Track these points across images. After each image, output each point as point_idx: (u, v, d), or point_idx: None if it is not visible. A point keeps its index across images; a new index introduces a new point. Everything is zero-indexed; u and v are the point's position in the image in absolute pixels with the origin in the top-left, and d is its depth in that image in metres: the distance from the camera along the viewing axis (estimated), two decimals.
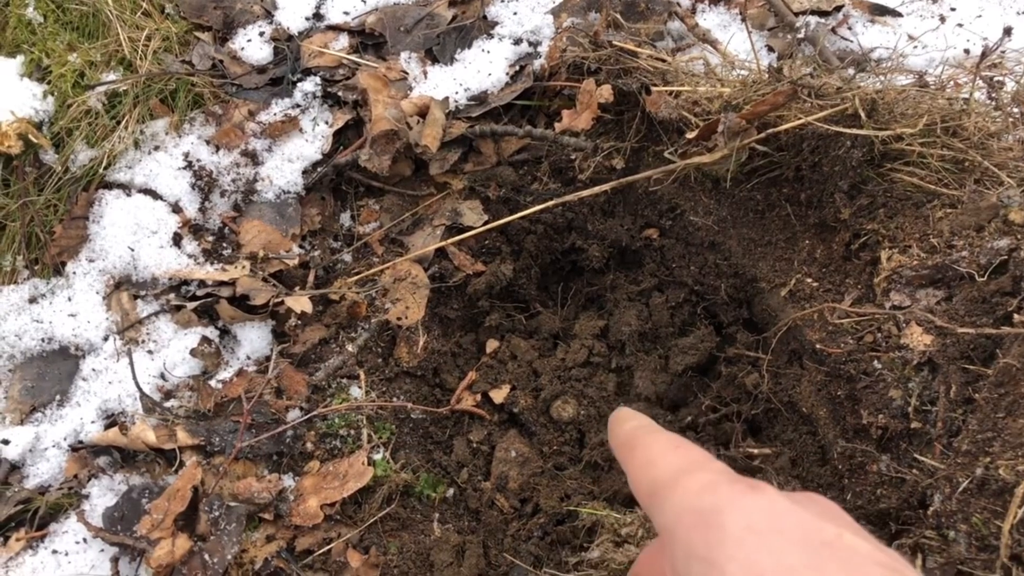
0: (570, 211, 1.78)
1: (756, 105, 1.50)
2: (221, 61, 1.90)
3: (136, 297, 1.68)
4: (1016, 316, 1.30)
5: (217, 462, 1.48)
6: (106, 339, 1.65)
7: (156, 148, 1.80)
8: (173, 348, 1.62)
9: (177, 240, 1.71)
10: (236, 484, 1.46)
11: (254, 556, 1.39)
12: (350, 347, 1.65)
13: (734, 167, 1.58)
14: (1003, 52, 1.47)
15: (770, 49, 1.81)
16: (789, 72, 1.54)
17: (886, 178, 1.53)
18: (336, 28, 1.95)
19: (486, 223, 1.73)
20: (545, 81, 1.80)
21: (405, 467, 1.55)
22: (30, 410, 1.61)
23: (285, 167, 1.77)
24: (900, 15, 1.83)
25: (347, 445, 1.55)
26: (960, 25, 1.75)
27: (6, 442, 1.54)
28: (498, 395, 1.70)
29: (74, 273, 1.70)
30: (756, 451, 1.53)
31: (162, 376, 1.59)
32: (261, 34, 1.94)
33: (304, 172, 1.77)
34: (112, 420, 1.56)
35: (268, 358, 1.62)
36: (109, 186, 1.78)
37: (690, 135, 1.55)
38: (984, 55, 1.43)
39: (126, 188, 1.77)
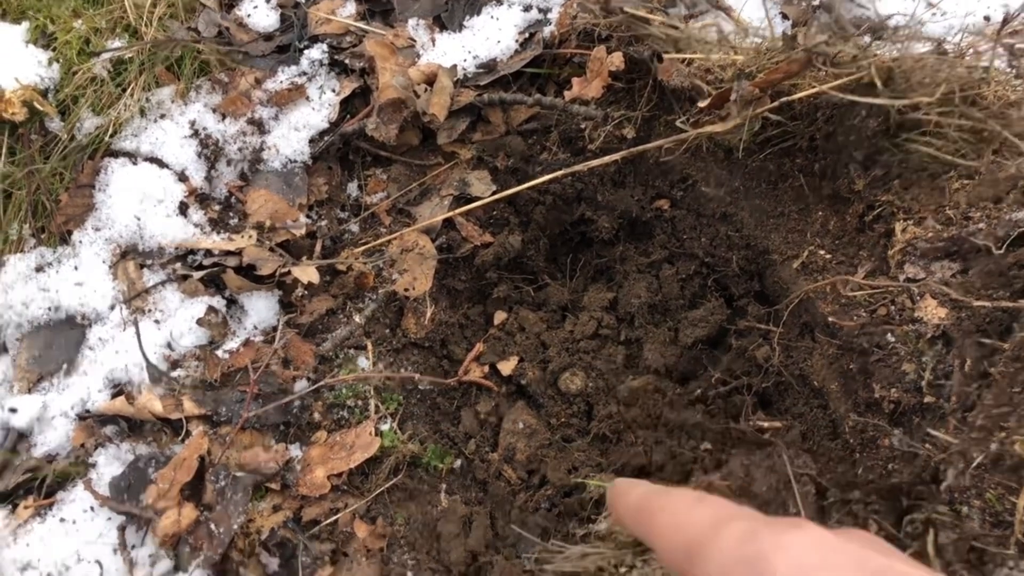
0: (579, 181, 1.76)
1: (770, 73, 1.47)
2: (227, 28, 1.88)
3: (142, 266, 1.67)
4: None
5: (223, 432, 1.47)
6: (112, 308, 1.64)
7: (162, 116, 1.78)
8: (180, 317, 1.61)
9: (183, 209, 1.70)
10: (242, 454, 1.45)
11: (260, 526, 1.39)
12: (357, 318, 1.64)
13: (747, 136, 1.55)
14: None
15: (784, 16, 1.77)
16: (804, 40, 1.50)
17: (902, 148, 1.50)
18: None
19: (494, 193, 1.71)
20: (555, 48, 1.77)
21: (412, 438, 1.55)
22: (37, 379, 1.60)
23: (292, 136, 1.75)
24: None
25: (354, 416, 1.54)
26: None
27: (14, 411, 1.54)
28: (506, 367, 1.69)
29: (80, 242, 1.69)
30: (766, 424, 1.51)
31: (169, 346, 1.59)
32: (267, 0, 1.91)
33: (311, 141, 1.75)
34: (119, 389, 1.55)
35: (275, 328, 1.61)
36: (115, 154, 1.77)
37: (702, 104, 1.52)
38: (1005, 22, 1.40)
39: (132, 156, 1.75)
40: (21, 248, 1.72)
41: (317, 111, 1.77)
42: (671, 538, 0.49)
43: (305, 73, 1.81)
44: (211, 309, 1.60)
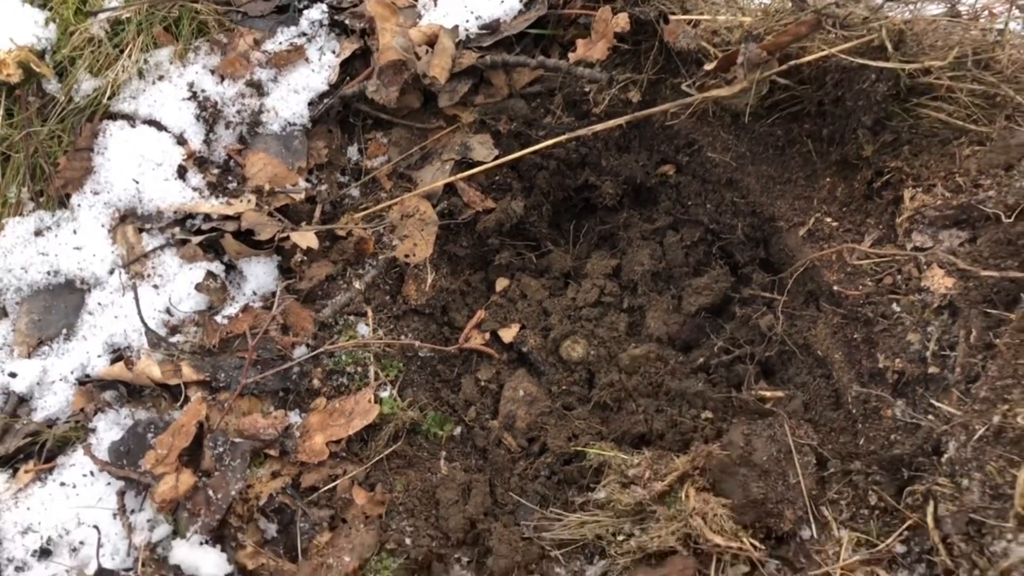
0: (583, 146, 1.73)
1: (778, 36, 1.43)
2: None
3: (141, 230, 1.66)
4: None
5: (222, 398, 1.47)
6: (112, 273, 1.63)
7: (160, 78, 1.76)
8: (179, 282, 1.60)
9: (182, 173, 1.68)
10: (241, 420, 1.45)
11: (259, 492, 1.39)
12: (357, 284, 1.62)
13: (754, 101, 1.52)
14: None
15: None
16: (813, 1, 1.46)
17: (912, 114, 1.47)
18: None
19: (496, 158, 1.69)
20: (560, 9, 1.74)
21: (412, 405, 1.54)
22: (37, 343, 1.60)
23: (291, 98, 1.72)
24: None
25: (354, 382, 1.54)
26: None
27: (14, 375, 1.54)
28: (507, 334, 1.68)
29: (79, 206, 1.68)
30: (768, 394, 1.50)
31: (168, 311, 1.58)
32: None
33: (310, 103, 1.73)
34: (118, 355, 1.55)
35: (274, 294, 1.60)
36: (113, 117, 1.75)
37: (709, 67, 1.49)
38: None
39: (130, 119, 1.73)
40: (20, 212, 1.71)
41: (317, 73, 1.74)
42: None
43: (305, 34, 1.78)
44: (210, 274, 1.59)
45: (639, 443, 1.53)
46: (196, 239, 1.62)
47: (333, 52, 1.76)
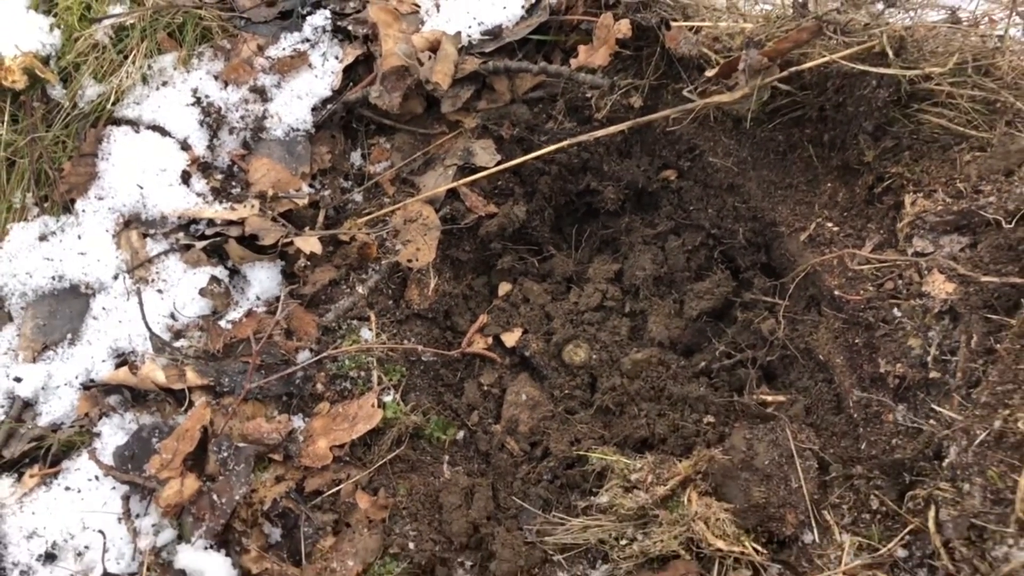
0: (585, 151, 1.74)
1: (779, 42, 1.44)
2: None
3: (146, 236, 1.67)
4: None
5: (226, 403, 1.48)
6: (116, 278, 1.64)
7: (164, 84, 1.76)
8: (183, 287, 1.61)
9: (186, 178, 1.69)
10: (245, 425, 1.46)
11: (263, 496, 1.40)
12: (360, 288, 1.63)
13: (755, 106, 1.52)
14: None
15: None
16: (814, 7, 1.47)
17: (913, 119, 1.47)
18: None
19: (499, 163, 1.70)
20: (562, 15, 1.74)
21: (415, 409, 1.54)
22: (42, 348, 1.61)
23: (294, 104, 1.73)
24: None
25: (357, 387, 1.54)
26: None
27: (19, 380, 1.55)
28: (510, 338, 1.69)
29: (83, 211, 1.69)
30: (770, 398, 1.51)
31: (172, 316, 1.59)
32: None
33: (313, 109, 1.74)
34: (123, 359, 1.56)
35: (277, 298, 1.61)
36: (117, 122, 1.76)
37: (710, 73, 1.50)
38: None
39: (134, 124, 1.74)
40: (25, 217, 1.72)
41: (320, 79, 1.75)
42: None
43: (308, 40, 1.79)
44: (214, 279, 1.60)
45: (641, 447, 1.54)
46: (200, 244, 1.63)
47: (336, 58, 1.77)
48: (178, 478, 1.36)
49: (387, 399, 1.53)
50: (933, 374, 1.32)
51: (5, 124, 1.75)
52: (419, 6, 1.79)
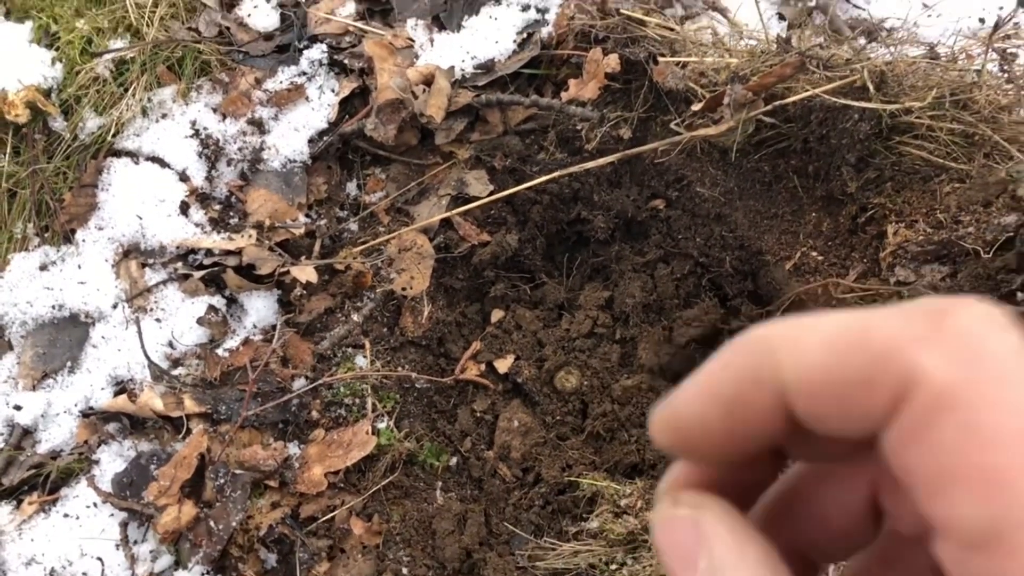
0: (576, 181, 1.77)
1: (763, 77, 1.48)
2: (228, 28, 1.90)
3: (144, 265, 1.70)
4: (1020, 294, 1.29)
5: (223, 430, 1.50)
6: (115, 307, 1.66)
7: (163, 116, 1.80)
8: (181, 316, 1.63)
9: (184, 209, 1.72)
10: (242, 452, 1.48)
11: (259, 523, 1.42)
12: (355, 316, 1.66)
13: (741, 138, 1.56)
14: (1016, 24, 1.44)
15: (781, 17, 1.78)
16: (798, 42, 1.51)
17: (894, 151, 1.51)
18: None
19: (492, 193, 1.73)
20: (552, 49, 1.79)
21: (409, 436, 1.57)
22: (42, 376, 1.63)
23: (291, 136, 1.77)
24: None
25: (352, 414, 1.57)
26: None
27: (19, 408, 1.57)
28: (502, 365, 1.71)
29: (84, 241, 1.72)
30: None
31: (170, 344, 1.61)
32: (267, 0, 1.93)
33: (310, 141, 1.77)
34: (121, 387, 1.58)
35: (274, 327, 1.64)
36: (117, 154, 1.79)
37: (697, 107, 1.54)
38: (997, 26, 1.41)
39: (134, 156, 1.78)
40: (26, 247, 1.75)
41: (316, 111, 1.79)
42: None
43: (305, 73, 1.82)
44: (211, 308, 1.63)
45: (632, 473, 1.56)
46: (198, 274, 1.66)
47: (333, 91, 1.81)
48: (176, 505, 1.38)
49: (381, 426, 1.55)
50: None
51: (7, 156, 1.78)
52: (413, 41, 1.83)
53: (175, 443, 1.51)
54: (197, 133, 1.77)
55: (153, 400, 1.51)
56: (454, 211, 1.73)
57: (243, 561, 1.38)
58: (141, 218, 1.70)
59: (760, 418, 0.29)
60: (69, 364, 1.63)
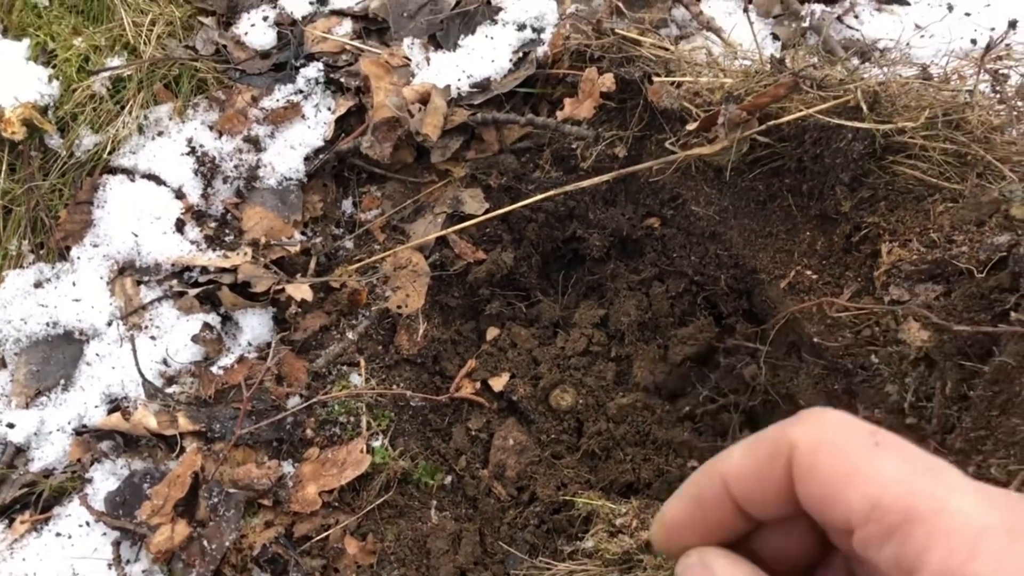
0: (571, 199, 1.78)
1: (757, 97, 1.49)
2: (225, 46, 1.90)
3: (139, 283, 1.70)
4: (1013, 314, 1.29)
5: (217, 448, 1.50)
6: (110, 324, 1.66)
7: (160, 134, 1.81)
8: (175, 334, 1.63)
9: (180, 226, 1.72)
10: (236, 470, 1.48)
11: (253, 542, 1.42)
12: (350, 334, 1.66)
13: (735, 157, 1.57)
14: (1008, 45, 1.45)
15: (775, 37, 1.79)
16: (792, 63, 1.52)
17: (888, 171, 1.52)
18: (339, 13, 1.95)
19: (487, 211, 1.74)
20: (548, 68, 1.80)
21: (404, 454, 1.57)
22: (35, 394, 1.63)
23: (287, 153, 1.77)
24: (907, 3, 1.81)
25: (346, 432, 1.56)
26: (968, 14, 1.73)
27: (11, 426, 1.56)
28: (497, 383, 1.71)
29: (79, 258, 1.72)
30: None
31: (164, 362, 1.61)
32: (265, 19, 1.94)
33: (306, 158, 1.78)
34: (115, 405, 1.58)
35: (269, 345, 1.64)
36: (113, 171, 1.79)
37: (691, 127, 1.54)
38: (988, 48, 1.42)
39: (130, 173, 1.78)
40: (20, 264, 1.75)
41: (313, 129, 1.79)
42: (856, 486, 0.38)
43: (301, 91, 1.83)
44: (206, 326, 1.63)
45: (627, 492, 1.56)
46: (193, 291, 1.66)
47: (329, 109, 1.81)
48: (169, 524, 1.38)
49: (376, 444, 1.55)
50: (910, 420, 1.36)
51: (3, 173, 1.78)
52: (410, 60, 1.83)
53: (169, 461, 1.50)
54: (193, 151, 1.78)
55: (147, 418, 1.51)
56: (450, 229, 1.73)
57: None
58: (136, 235, 1.70)
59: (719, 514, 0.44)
60: (63, 382, 1.63)
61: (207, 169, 1.76)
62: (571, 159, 1.77)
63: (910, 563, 0.34)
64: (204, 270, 1.68)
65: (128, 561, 1.40)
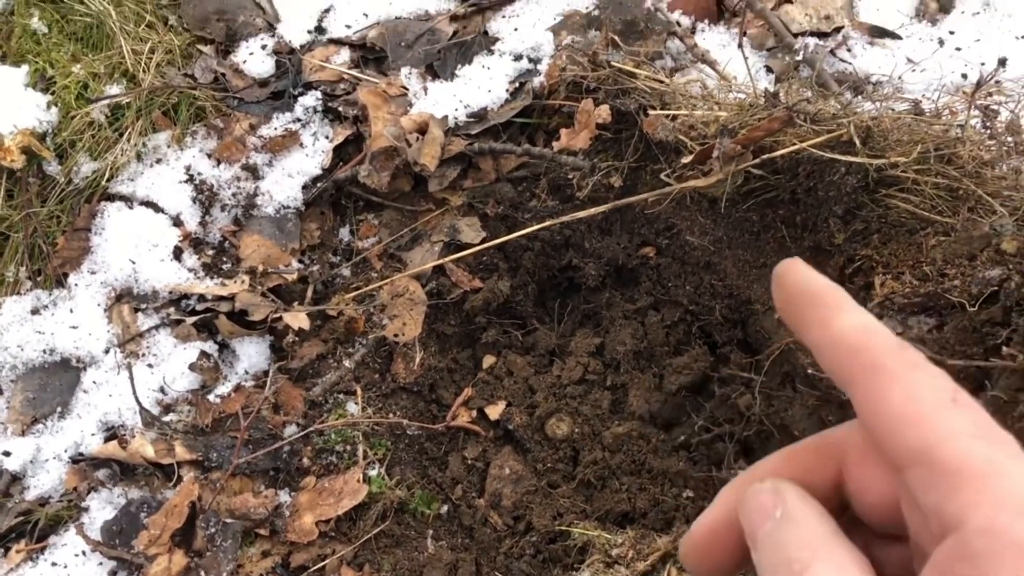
0: (567, 228, 1.79)
1: (752, 131, 1.51)
2: (223, 74, 1.92)
3: (137, 310, 1.70)
4: (1005, 348, 1.31)
5: (214, 477, 1.50)
6: (107, 351, 1.66)
7: (158, 161, 1.81)
8: (173, 362, 1.64)
9: (178, 254, 1.73)
10: (232, 500, 1.48)
11: (250, 572, 1.42)
12: (347, 363, 1.67)
13: (730, 189, 1.59)
14: (998, 82, 1.48)
15: (769, 70, 1.82)
16: (785, 97, 1.54)
17: (880, 204, 1.54)
18: (338, 42, 1.96)
19: (484, 240, 1.75)
20: (544, 99, 1.81)
21: (400, 484, 1.57)
22: (31, 421, 1.63)
23: (285, 182, 1.78)
24: (899, 38, 1.83)
25: (343, 461, 1.57)
26: (958, 49, 1.76)
27: (7, 454, 1.56)
28: (494, 411, 1.72)
29: (76, 285, 1.72)
30: None
31: (162, 390, 1.61)
32: (263, 47, 1.95)
33: (304, 187, 1.79)
34: (112, 433, 1.58)
35: (266, 373, 1.64)
36: (111, 198, 1.80)
37: (686, 160, 1.56)
38: (979, 84, 1.44)
39: (128, 200, 1.79)
40: (17, 290, 1.75)
41: (310, 157, 1.80)
42: (897, 420, 0.39)
43: (299, 120, 1.84)
44: (203, 354, 1.63)
45: (623, 521, 1.57)
46: (191, 319, 1.66)
47: (327, 138, 1.83)
48: (166, 554, 1.38)
49: (372, 473, 1.56)
50: None
51: (1, 199, 1.79)
52: (407, 89, 1.85)
53: (165, 490, 1.50)
54: (191, 178, 1.79)
55: (144, 447, 1.51)
56: (447, 259, 1.74)
57: None
58: (134, 262, 1.71)
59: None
60: (59, 409, 1.63)
61: (205, 197, 1.77)
62: (567, 188, 1.79)
63: (953, 516, 0.35)
64: (202, 298, 1.69)
65: None
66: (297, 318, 1.63)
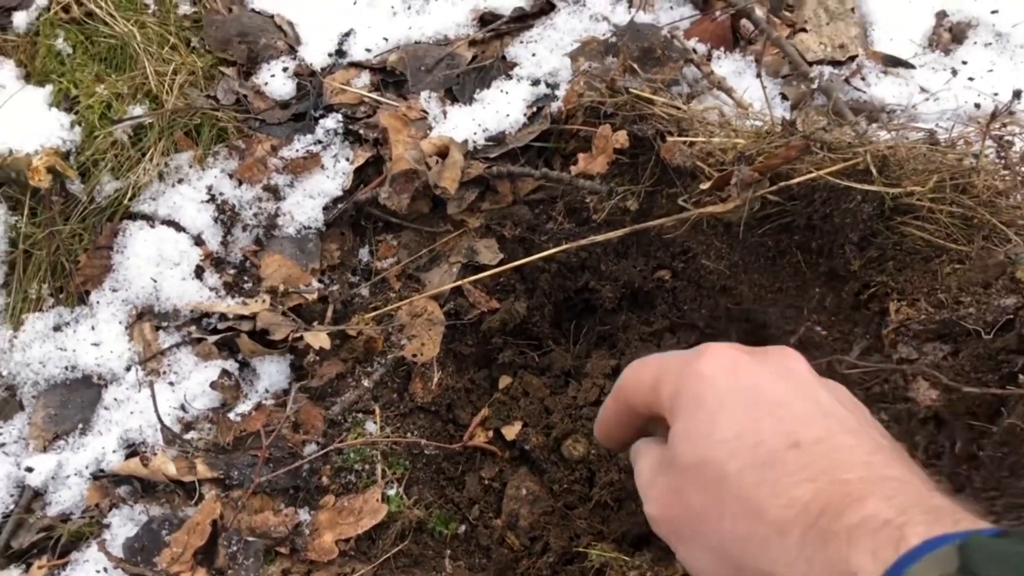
0: (584, 251, 1.81)
1: (769, 158, 1.53)
2: (245, 96, 1.94)
3: (158, 328, 1.72)
4: (1021, 376, 1.33)
5: (235, 495, 1.51)
6: (128, 369, 1.68)
7: (180, 181, 1.84)
8: (194, 380, 1.65)
9: (199, 272, 1.75)
10: (253, 518, 1.49)
11: None
12: (366, 382, 1.68)
13: (746, 215, 1.61)
14: (1012, 112, 1.50)
15: (784, 97, 1.84)
16: (802, 125, 1.57)
17: (896, 231, 1.56)
18: (358, 65, 1.99)
19: (501, 261, 1.77)
20: (562, 124, 1.84)
21: (418, 503, 1.58)
22: (53, 437, 1.64)
23: (306, 203, 1.80)
24: (913, 67, 1.86)
25: (362, 480, 1.58)
26: (971, 79, 1.78)
27: (30, 469, 1.58)
28: (510, 432, 1.73)
29: (98, 302, 1.74)
30: None
31: (182, 408, 1.63)
32: (284, 69, 1.98)
33: (325, 208, 1.81)
34: (133, 450, 1.59)
35: (286, 391, 1.66)
36: (133, 217, 1.82)
37: (704, 186, 1.58)
38: (993, 116, 1.46)
39: (150, 219, 1.81)
40: (40, 307, 1.77)
41: (331, 179, 1.83)
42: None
43: (320, 142, 1.87)
44: (224, 372, 1.65)
45: (638, 543, 1.58)
46: (212, 338, 1.68)
47: (347, 160, 1.85)
48: (189, 572, 1.39)
49: (391, 492, 1.57)
50: None
51: (25, 217, 1.81)
52: (427, 112, 1.88)
53: (187, 508, 1.52)
54: (213, 198, 1.81)
55: (166, 464, 1.52)
56: (466, 280, 1.76)
57: None
58: (156, 281, 1.73)
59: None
60: (81, 426, 1.65)
61: (227, 217, 1.80)
62: (584, 211, 1.81)
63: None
64: (223, 317, 1.71)
65: None
66: (318, 338, 1.64)
